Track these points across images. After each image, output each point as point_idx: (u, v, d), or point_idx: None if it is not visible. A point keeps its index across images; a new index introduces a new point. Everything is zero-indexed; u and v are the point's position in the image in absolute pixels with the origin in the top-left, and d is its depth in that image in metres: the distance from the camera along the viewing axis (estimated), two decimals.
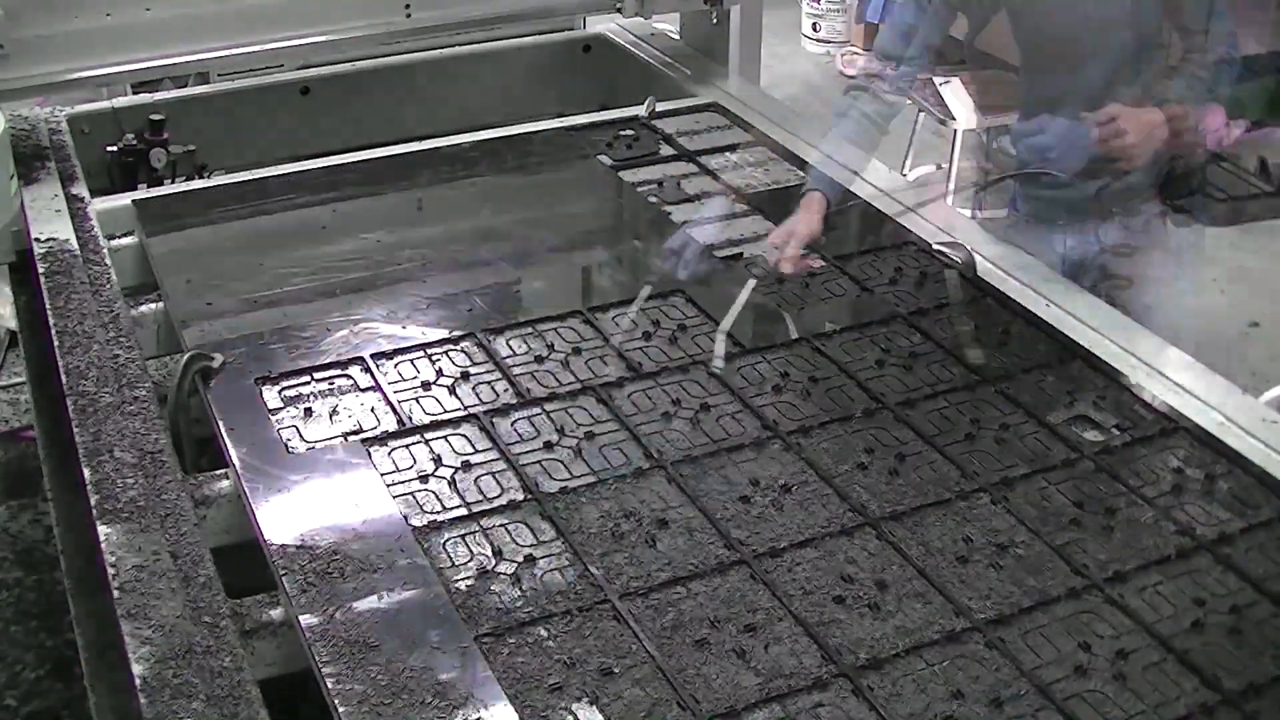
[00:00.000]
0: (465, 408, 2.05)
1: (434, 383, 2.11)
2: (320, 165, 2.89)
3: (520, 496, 1.85)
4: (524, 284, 2.47)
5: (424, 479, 1.89)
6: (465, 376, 2.12)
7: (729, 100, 3.18)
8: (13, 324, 3.31)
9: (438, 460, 1.93)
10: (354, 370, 2.14)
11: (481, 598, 1.67)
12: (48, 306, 2.35)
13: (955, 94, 5.06)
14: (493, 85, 3.49)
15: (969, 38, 2.80)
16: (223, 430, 1.98)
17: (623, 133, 3.01)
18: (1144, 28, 2.46)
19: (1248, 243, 5.39)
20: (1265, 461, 1.93)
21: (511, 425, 2.01)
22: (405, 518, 1.81)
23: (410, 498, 1.85)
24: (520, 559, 1.74)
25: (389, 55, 3.46)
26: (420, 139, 3.01)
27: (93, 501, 1.85)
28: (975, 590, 1.70)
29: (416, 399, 2.07)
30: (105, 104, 3.20)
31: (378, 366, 2.14)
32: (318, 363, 2.16)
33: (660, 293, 2.37)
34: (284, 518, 1.81)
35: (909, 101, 4.42)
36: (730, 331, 2.23)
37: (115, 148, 3.06)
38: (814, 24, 6.89)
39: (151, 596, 1.67)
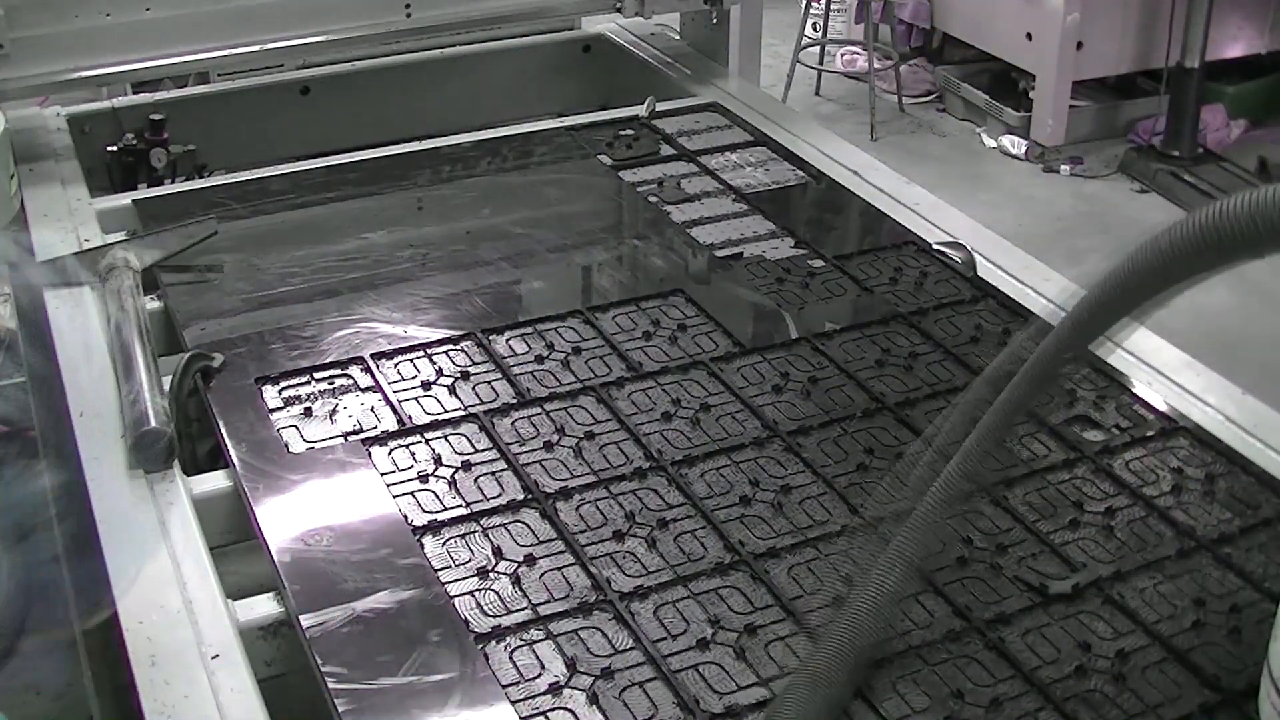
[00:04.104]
0: (465, 408, 2.05)
1: (434, 383, 2.11)
2: (320, 165, 2.89)
3: (520, 496, 1.85)
4: (524, 284, 2.47)
5: (424, 479, 1.89)
6: (465, 376, 2.12)
7: (729, 100, 3.18)
8: (13, 324, 3.31)
9: (438, 460, 1.93)
10: (354, 370, 2.14)
11: (481, 598, 1.67)
12: (48, 306, 2.36)
13: None
14: (493, 85, 3.50)
15: None
16: (223, 430, 1.98)
17: (623, 133, 3.01)
18: None
19: None
20: (1265, 461, 1.93)
21: (511, 425, 2.01)
22: (405, 518, 1.81)
23: (410, 498, 1.85)
24: (520, 559, 1.74)
25: (389, 55, 3.46)
26: (420, 139, 3.01)
27: (93, 501, 1.86)
28: (975, 590, 1.70)
29: (416, 399, 2.07)
30: (105, 104, 3.20)
31: (378, 366, 2.14)
32: (318, 363, 2.16)
33: (660, 292, 2.37)
34: (284, 518, 1.81)
35: None
36: (731, 331, 2.24)
37: (115, 148, 3.07)
38: (814, 24, 6.89)
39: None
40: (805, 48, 6.55)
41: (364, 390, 2.09)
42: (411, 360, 2.17)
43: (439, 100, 3.43)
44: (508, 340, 2.22)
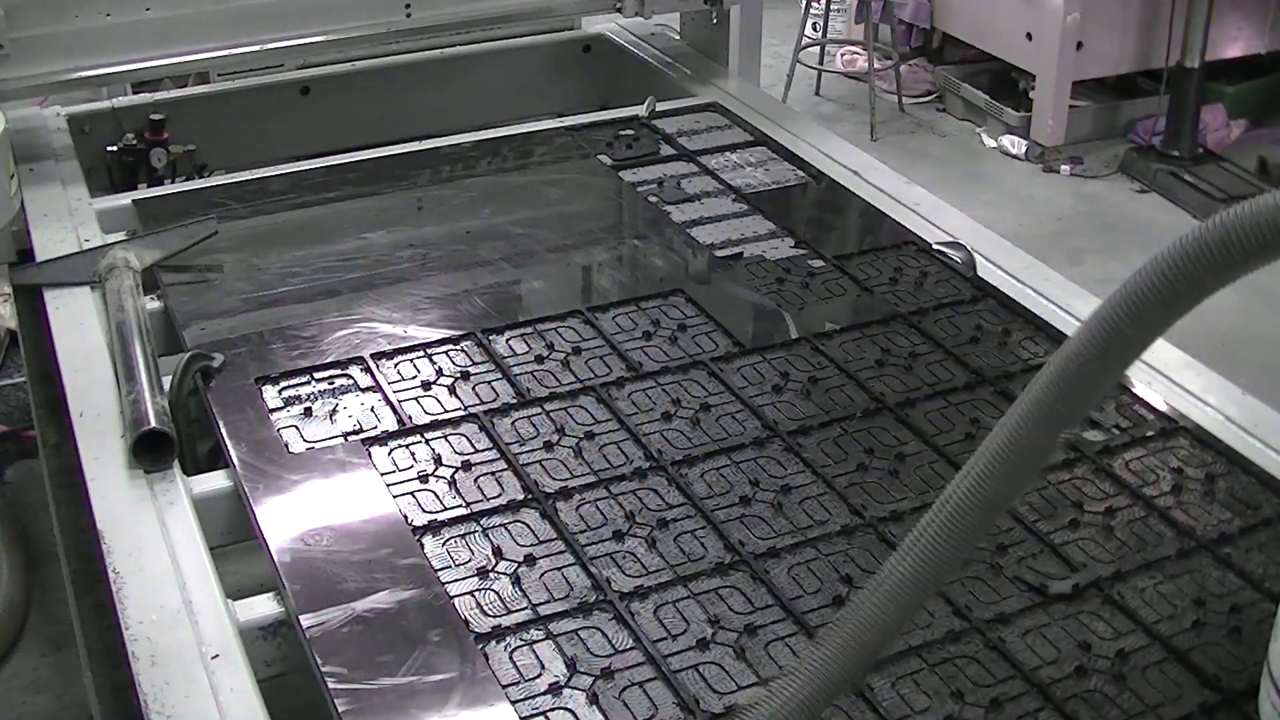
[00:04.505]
0: (465, 408, 2.05)
1: (434, 383, 2.11)
2: (320, 165, 2.89)
3: (520, 496, 1.85)
4: (524, 284, 2.47)
5: (424, 479, 1.89)
6: (465, 376, 2.12)
7: (729, 100, 3.18)
8: (13, 324, 3.31)
9: (438, 460, 1.93)
10: (354, 370, 2.14)
11: (481, 598, 1.67)
12: (48, 306, 2.36)
13: None
14: (493, 85, 3.50)
15: None
16: (223, 430, 1.98)
17: (623, 133, 3.01)
18: None
19: None
20: (1265, 461, 1.93)
21: (511, 425, 2.01)
22: (405, 518, 1.81)
23: (410, 498, 1.85)
24: (520, 559, 1.74)
25: (389, 55, 3.46)
26: (420, 139, 3.01)
27: (93, 502, 1.86)
28: (975, 590, 1.70)
29: (416, 399, 2.07)
30: (105, 104, 3.21)
31: (378, 366, 2.14)
32: (318, 363, 2.16)
33: (660, 292, 2.37)
34: (284, 518, 1.81)
35: None
36: (731, 331, 2.24)
37: (115, 148, 3.07)
38: (814, 24, 6.89)
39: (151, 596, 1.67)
40: (805, 48, 6.55)
41: (364, 390, 2.09)
42: (411, 360, 2.17)
43: (439, 100, 3.43)
44: (508, 340, 2.22)
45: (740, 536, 1.79)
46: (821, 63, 6.97)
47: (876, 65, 6.40)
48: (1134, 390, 2.09)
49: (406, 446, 1.96)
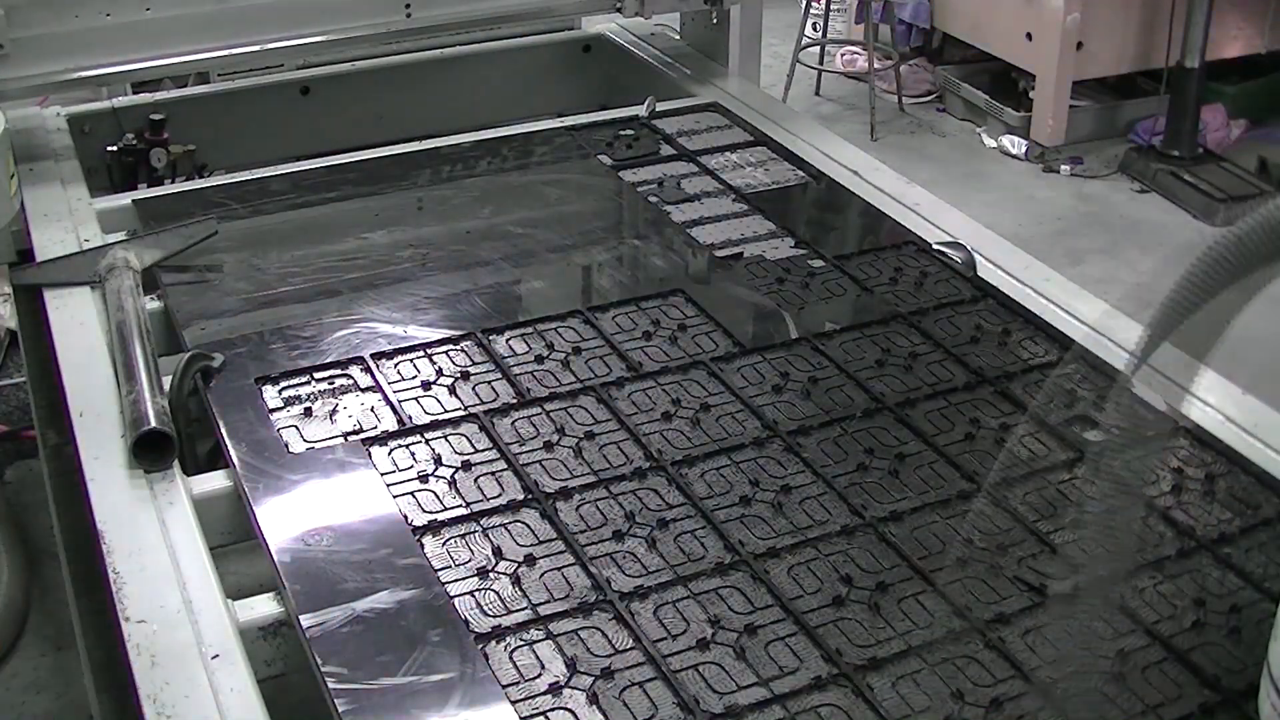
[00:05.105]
0: (465, 408, 2.05)
1: (434, 383, 2.11)
2: (320, 165, 2.89)
3: (520, 496, 1.85)
4: (524, 284, 2.47)
5: (424, 479, 1.89)
6: (465, 376, 2.12)
7: (729, 100, 3.18)
8: (13, 324, 3.31)
9: (438, 460, 1.93)
10: (354, 370, 2.14)
11: (481, 598, 1.67)
12: (48, 306, 2.36)
13: None
14: (493, 85, 3.50)
15: None
16: (223, 430, 1.98)
17: (623, 133, 3.01)
18: None
19: None
20: (1265, 461, 1.93)
21: (511, 425, 2.01)
22: (405, 518, 1.81)
23: (410, 498, 1.85)
24: (520, 559, 1.74)
25: (389, 55, 3.46)
26: (420, 139, 3.01)
27: (93, 501, 1.86)
28: (975, 590, 1.70)
29: (416, 399, 2.07)
30: (105, 104, 3.21)
31: (378, 366, 2.14)
32: (318, 363, 2.16)
33: (660, 292, 2.37)
34: (284, 518, 1.81)
35: None
36: (731, 331, 2.24)
37: (115, 147, 3.07)
38: (814, 24, 6.90)
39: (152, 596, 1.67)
40: (805, 48, 6.55)
41: (364, 390, 2.09)
42: (411, 360, 2.17)
43: (439, 100, 3.43)
44: (508, 340, 2.22)
45: (740, 536, 1.79)
46: (821, 63, 6.97)
47: (876, 65, 6.40)
48: (1134, 390, 2.09)
49: (406, 446, 1.96)
